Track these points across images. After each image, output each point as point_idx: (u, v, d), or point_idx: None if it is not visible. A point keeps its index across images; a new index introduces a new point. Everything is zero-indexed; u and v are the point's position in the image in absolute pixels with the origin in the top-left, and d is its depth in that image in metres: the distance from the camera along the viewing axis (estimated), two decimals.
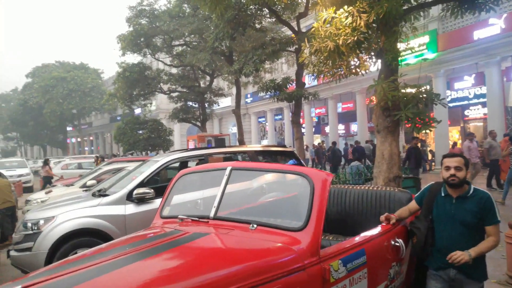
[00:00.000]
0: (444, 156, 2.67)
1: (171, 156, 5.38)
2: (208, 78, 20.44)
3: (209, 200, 2.41)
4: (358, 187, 3.81)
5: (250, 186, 2.69)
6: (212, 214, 2.27)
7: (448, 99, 15.65)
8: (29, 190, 16.49)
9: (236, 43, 13.99)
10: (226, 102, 27.13)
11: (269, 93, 12.24)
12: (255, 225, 2.12)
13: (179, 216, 2.44)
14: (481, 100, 15.52)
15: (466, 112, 16.55)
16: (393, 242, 2.56)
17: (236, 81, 16.51)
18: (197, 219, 2.31)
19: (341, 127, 22.61)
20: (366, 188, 3.76)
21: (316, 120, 24.54)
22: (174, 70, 21.88)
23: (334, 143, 17.07)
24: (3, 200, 7.65)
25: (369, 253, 2.27)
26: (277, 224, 2.09)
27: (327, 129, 23.15)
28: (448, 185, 2.58)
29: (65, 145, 45.19)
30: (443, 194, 2.64)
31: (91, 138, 48.83)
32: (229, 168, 2.41)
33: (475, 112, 16.25)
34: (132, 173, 5.65)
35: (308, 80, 21.51)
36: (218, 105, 22.91)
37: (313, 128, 23.97)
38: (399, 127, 6.40)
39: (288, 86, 11.89)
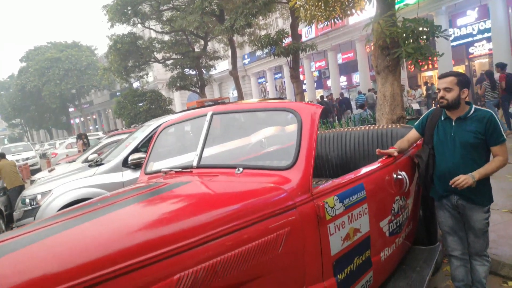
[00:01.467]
0: (438, 77, 2.48)
1: (163, 119, 5.21)
2: (202, 42, 19.84)
3: (192, 150, 2.23)
4: (358, 128, 3.60)
5: (234, 131, 2.50)
6: (195, 163, 2.10)
7: (451, 37, 15.01)
8: (38, 171, 16.65)
9: (226, 0, 13.37)
10: (223, 66, 26.56)
11: (265, 50, 11.84)
12: (241, 169, 1.95)
13: (162, 170, 2.28)
14: (486, 35, 14.85)
15: (470, 50, 15.90)
16: (395, 175, 2.38)
17: (230, 41, 15.97)
18: (180, 169, 2.15)
19: (342, 79, 22.06)
20: (367, 128, 3.55)
21: (317, 74, 23.94)
22: (166, 37, 21.25)
23: (342, 94, 17.78)
24: (10, 180, 7.63)
25: (369, 187, 2.10)
26: (264, 165, 1.92)
27: (329, 82, 22.62)
28: (440, 107, 2.44)
29: (69, 126, 45.23)
30: (443, 118, 2.49)
31: (94, 116, 48.75)
32: (209, 114, 2.21)
33: (480, 49, 15.60)
34: (126, 140, 5.50)
35: (305, 34, 20.83)
36: (215, 69, 22.39)
37: (315, 84, 23.44)
38: (400, 66, 6.09)
39: (284, 41, 11.46)
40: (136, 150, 4.79)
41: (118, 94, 34.06)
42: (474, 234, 2.46)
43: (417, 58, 5.38)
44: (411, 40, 5.37)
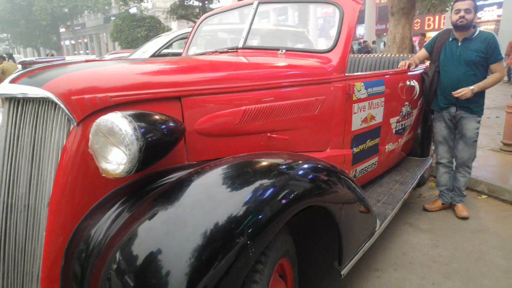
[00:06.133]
0: (456, 0, 2.73)
1: (182, 31, 5.33)
2: None
3: (236, 34, 2.47)
4: (370, 55, 3.87)
5: (279, 22, 2.73)
6: (241, 44, 2.35)
7: None
8: None
9: None
10: (226, 1, 25.67)
11: None
12: (284, 50, 2.23)
13: (207, 51, 2.53)
14: (497, 0, 14.77)
15: (478, 14, 15.83)
16: (408, 83, 2.72)
17: None
18: (226, 49, 2.40)
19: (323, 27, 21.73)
20: (380, 55, 3.82)
21: (322, 22, 23.48)
22: None
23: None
24: None
25: (387, 84, 2.43)
26: (304, 48, 2.20)
27: (331, 32, 22.28)
28: (456, 27, 2.71)
29: (59, 47, 43.70)
30: (450, 39, 2.79)
31: (85, 40, 47.05)
32: (256, 2, 2.43)
33: (489, 14, 15.61)
34: (143, 47, 5.64)
35: None
36: (219, 1, 21.69)
37: (318, 31, 23.07)
38: (414, 10, 6.22)
39: None
40: (154, 55, 4.96)
41: (112, 18, 32.77)
42: (464, 143, 2.85)
43: (433, 2, 5.55)
44: None
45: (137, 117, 1.18)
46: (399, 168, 3.04)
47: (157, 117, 1.27)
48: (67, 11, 35.61)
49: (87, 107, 1.26)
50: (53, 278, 1.26)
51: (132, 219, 1.19)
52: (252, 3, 2.44)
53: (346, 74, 2.09)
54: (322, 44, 2.33)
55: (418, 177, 2.92)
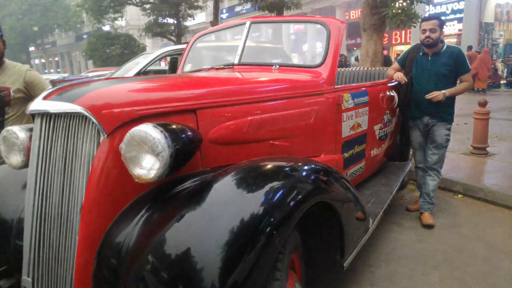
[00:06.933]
0: (422, 20, 3.02)
1: (166, 48, 5.48)
2: None
3: (231, 52, 2.65)
4: (346, 69, 4.15)
5: (270, 39, 2.94)
6: (236, 61, 2.53)
7: (426, 14, 15.78)
8: None
9: None
10: (200, 18, 25.99)
11: (249, 2, 11.94)
12: (277, 66, 2.42)
13: (204, 68, 2.69)
14: (458, 15, 15.76)
15: None
16: (388, 93, 2.97)
17: None
18: (222, 66, 2.57)
19: (318, 44, 22.41)
20: (355, 69, 4.11)
21: (294, 38, 24.16)
22: None
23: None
24: None
25: (370, 95, 2.66)
26: (297, 63, 2.40)
27: (304, 47, 22.96)
28: (424, 45, 2.97)
29: (30, 66, 42.67)
30: (421, 54, 3.05)
31: (56, 58, 46.18)
32: (248, 22, 2.62)
33: (451, 28, 16.54)
34: (127, 64, 5.74)
35: None
36: (194, 19, 21.99)
37: (291, 47, 23.68)
38: (384, 26, 6.65)
39: None
40: (139, 74, 5.07)
41: (84, 36, 32.45)
42: (435, 147, 3.06)
43: (401, 18, 5.97)
44: (399, 0, 5.89)
45: (165, 128, 1.33)
46: (383, 172, 3.27)
47: (180, 127, 1.41)
48: (37, 29, 34.94)
49: (116, 120, 1.39)
50: (86, 281, 1.35)
51: (161, 221, 1.31)
52: (244, 23, 2.64)
53: (335, 86, 2.30)
54: (296, 59, 2.53)
55: (401, 179, 3.15)
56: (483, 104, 4.53)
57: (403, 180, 3.42)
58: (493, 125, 5.56)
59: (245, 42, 2.56)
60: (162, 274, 1.13)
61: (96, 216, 1.37)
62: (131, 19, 30.23)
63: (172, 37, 20.22)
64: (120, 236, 1.37)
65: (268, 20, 2.90)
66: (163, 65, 6.66)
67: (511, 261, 2.47)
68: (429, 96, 2.91)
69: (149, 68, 5.33)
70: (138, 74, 5.03)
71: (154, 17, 19.71)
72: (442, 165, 3.15)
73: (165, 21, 20.02)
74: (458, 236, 2.85)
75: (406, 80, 3.02)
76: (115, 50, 20.24)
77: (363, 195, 2.74)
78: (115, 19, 22.83)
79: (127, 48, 20.67)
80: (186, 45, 5.76)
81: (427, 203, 3.15)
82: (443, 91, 2.89)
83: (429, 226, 3.00)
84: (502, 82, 14.17)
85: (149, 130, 1.28)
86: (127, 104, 1.44)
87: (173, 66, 5.83)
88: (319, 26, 2.46)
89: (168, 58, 5.66)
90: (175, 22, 19.66)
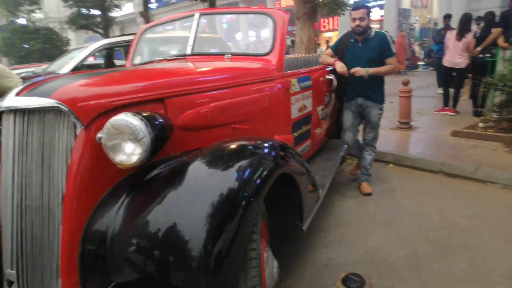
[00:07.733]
0: (351, 9, 3.26)
1: (102, 42, 5.32)
2: None
3: (182, 43, 2.75)
4: (291, 56, 4.41)
5: (219, 31, 3.06)
6: (189, 51, 2.63)
7: (351, 1, 16.79)
8: None
9: None
10: (128, 9, 24.90)
11: None
12: (229, 55, 2.58)
13: (155, 59, 2.76)
14: (379, 2, 16.98)
15: None
16: (327, 77, 3.28)
17: None
18: (174, 57, 2.66)
19: (251, 33, 22.74)
20: (296, 56, 4.39)
21: (226, 27, 24.17)
22: None
23: None
24: None
25: (313, 80, 2.94)
26: (248, 52, 2.57)
27: (237, 36, 23.12)
28: (355, 33, 3.22)
29: None
30: (352, 40, 3.30)
31: None
32: (197, 14, 2.73)
33: (373, 15, 17.75)
34: (61, 59, 5.47)
35: None
36: (121, 10, 20.97)
37: (223, 36, 23.69)
38: (316, 14, 7.05)
39: None
40: (76, 69, 4.89)
41: None
42: (370, 127, 3.41)
43: (332, 7, 6.39)
44: None
45: (142, 116, 1.44)
46: (325, 149, 3.60)
47: (154, 115, 1.53)
48: None
49: (92, 111, 1.47)
50: (72, 268, 1.42)
51: (143, 203, 1.41)
52: (193, 15, 2.74)
53: (283, 72, 2.52)
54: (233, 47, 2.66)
55: (342, 154, 3.50)
56: (406, 83, 5.09)
57: (342, 156, 3.79)
58: (414, 102, 6.24)
59: (195, 33, 2.67)
60: (150, 251, 1.21)
61: (77, 204, 1.44)
62: (50, 11, 27.93)
63: (99, 30, 19.16)
64: (102, 220, 1.44)
65: (217, 11, 3.03)
66: (91, 59, 6.33)
67: (440, 215, 2.93)
68: (352, 71, 3.09)
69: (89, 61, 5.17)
70: (76, 69, 4.85)
71: (77, 8, 18.48)
72: (377, 141, 3.51)
73: (90, 12, 18.89)
74: (393, 199, 3.28)
75: (348, 73, 3.17)
76: (34, 45, 18.67)
77: (311, 170, 3.03)
78: (32, 11, 21.02)
79: (48, 42, 19.16)
80: (121, 37, 5.65)
81: (364, 174, 3.52)
82: (366, 68, 3.09)
83: (368, 194, 3.39)
84: (419, 63, 15.65)
85: (129, 118, 1.38)
86: (101, 96, 1.52)
87: (110, 59, 5.69)
88: (264, 17, 2.65)
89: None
90: (101, 13, 18.61)
